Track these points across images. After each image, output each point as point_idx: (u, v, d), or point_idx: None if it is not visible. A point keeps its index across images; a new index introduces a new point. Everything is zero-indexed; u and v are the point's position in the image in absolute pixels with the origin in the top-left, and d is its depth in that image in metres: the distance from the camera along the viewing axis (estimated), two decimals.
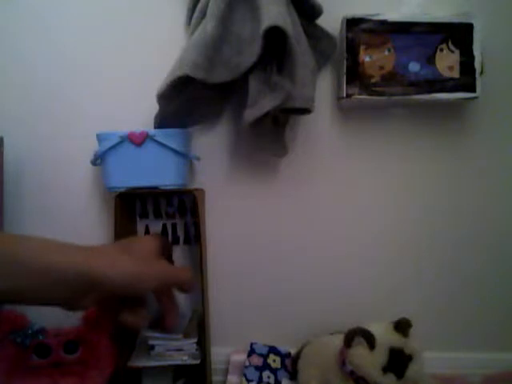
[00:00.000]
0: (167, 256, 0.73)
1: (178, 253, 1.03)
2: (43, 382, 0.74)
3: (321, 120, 0.97)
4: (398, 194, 1.00)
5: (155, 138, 0.86)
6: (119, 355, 0.90)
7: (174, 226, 1.02)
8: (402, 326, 0.80)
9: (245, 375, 0.93)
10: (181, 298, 1.02)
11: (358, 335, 0.78)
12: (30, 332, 0.76)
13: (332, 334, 0.93)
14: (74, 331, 0.80)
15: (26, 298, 0.50)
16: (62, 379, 0.74)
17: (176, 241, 1.02)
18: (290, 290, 1.02)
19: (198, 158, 0.94)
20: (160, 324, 0.89)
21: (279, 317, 1.03)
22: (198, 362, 0.89)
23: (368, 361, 0.77)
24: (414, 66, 0.88)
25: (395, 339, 0.79)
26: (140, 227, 1.02)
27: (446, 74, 0.88)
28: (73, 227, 1.01)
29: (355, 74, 0.88)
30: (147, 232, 1.02)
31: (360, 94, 0.88)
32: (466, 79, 0.88)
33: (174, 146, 0.86)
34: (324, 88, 0.96)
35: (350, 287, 1.01)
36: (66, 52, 0.98)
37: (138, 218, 1.02)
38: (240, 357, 0.98)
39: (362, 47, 0.88)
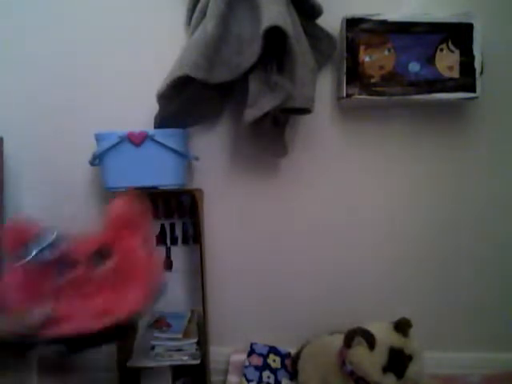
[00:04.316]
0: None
1: (177, 253, 1.03)
2: (72, 304, 0.53)
3: (321, 120, 0.97)
4: (397, 193, 1.00)
5: (155, 138, 0.86)
6: (119, 355, 0.90)
7: (172, 226, 1.02)
8: (402, 326, 0.80)
9: (245, 375, 0.93)
10: (180, 298, 1.03)
11: (358, 335, 0.78)
12: (46, 244, 0.55)
13: (332, 334, 0.93)
14: (104, 237, 0.61)
15: None
16: (95, 297, 0.53)
17: (174, 241, 1.02)
18: (289, 290, 1.02)
19: (197, 158, 0.94)
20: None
21: (279, 317, 1.03)
22: (198, 362, 0.89)
23: (368, 361, 0.77)
24: (413, 66, 0.88)
25: (395, 339, 0.79)
26: None
27: (446, 73, 0.88)
28: (72, 226, 1.01)
29: (355, 74, 0.88)
30: None
31: (360, 94, 0.88)
32: (466, 79, 0.88)
33: (173, 146, 0.87)
34: (324, 88, 0.96)
35: (350, 287, 1.01)
36: (65, 52, 0.98)
37: None
38: (240, 357, 0.98)
39: (362, 47, 0.88)
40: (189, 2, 0.92)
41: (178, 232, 1.02)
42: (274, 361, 0.97)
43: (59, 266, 0.55)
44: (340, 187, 1.00)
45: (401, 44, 0.87)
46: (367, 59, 0.88)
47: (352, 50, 0.88)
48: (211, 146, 0.99)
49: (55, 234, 0.57)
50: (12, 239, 0.56)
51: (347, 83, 0.88)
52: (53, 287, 0.53)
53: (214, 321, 0.96)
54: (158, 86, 0.87)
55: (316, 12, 0.90)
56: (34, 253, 0.54)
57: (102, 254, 0.59)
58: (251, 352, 0.97)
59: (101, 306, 0.50)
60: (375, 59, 0.88)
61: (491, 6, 0.94)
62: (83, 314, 0.48)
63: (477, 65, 0.87)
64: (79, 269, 0.55)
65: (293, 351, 0.99)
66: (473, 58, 0.87)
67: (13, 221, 0.61)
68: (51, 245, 0.55)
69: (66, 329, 0.49)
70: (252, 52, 0.81)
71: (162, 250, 1.02)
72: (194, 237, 1.02)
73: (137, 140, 0.86)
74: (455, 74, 0.88)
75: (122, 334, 0.59)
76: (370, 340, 0.77)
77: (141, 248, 0.62)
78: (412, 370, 0.78)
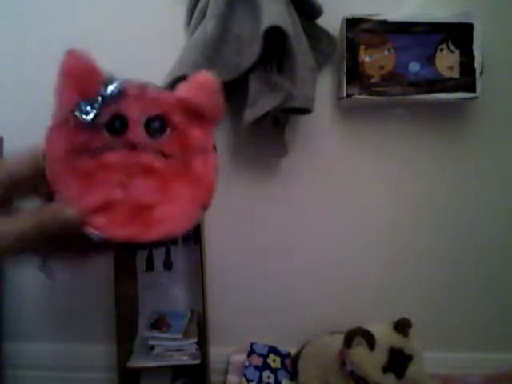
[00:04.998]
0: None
1: (177, 253, 1.03)
2: (110, 179, 0.43)
3: (321, 120, 0.97)
4: (397, 193, 1.00)
5: None
6: (119, 355, 0.90)
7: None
8: (402, 326, 0.80)
9: (245, 375, 0.93)
10: (180, 298, 1.03)
11: (358, 335, 0.78)
12: (100, 98, 0.44)
13: (332, 334, 0.93)
14: (164, 103, 0.47)
15: None
16: (138, 177, 0.44)
17: (174, 241, 1.02)
18: (290, 290, 1.02)
19: None
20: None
21: (279, 317, 1.03)
22: (198, 362, 0.89)
23: (368, 361, 0.77)
24: (413, 66, 0.88)
25: (395, 339, 0.79)
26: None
27: (446, 74, 0.88)
28: None
29: (355, 74, 0.88)
30: None
31: (360, 94, 0.88)
32: (466, 79, 0.88)
33: None
34: (324, 88, 0.96)
35: (350, 287, 1.01)
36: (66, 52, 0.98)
37: None
38: (240, 357, 0.98)
39: (362, 47, 0.88)
40: (189, 2, 0.92)
41: None
42: (274, 361, 0.97)
43: (110, 125, 0.45)
44: (340, 187, 1.00)
45: (401, 44, 0.87)
46: (367, 59, 0.88)
47: (352, 49, 0.88)
48: None
49: (117, 85, 0.45)
50: (71, 87, 0.43)
51: (347, 83, 0.88)
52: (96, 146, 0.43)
53: (214, 321, 0.96)
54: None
55: (316, 12, 0.90)
56: (92, 110, 0.44)
57: (159, 123, 0.47)
58: (251, 352, 0.97)
59: (154, 211, 0.42)
60: (375, 59, 0.88)
61: (491, 5, 0.94)
62: (135, 217, 0.41)
63: (477, 65, 0.87)
64: (131, 132, 0.45)
65: (293, 351, 0.99)
66: (473, 58, 0.87)
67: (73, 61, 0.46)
68: (109, 97, 0.45)
69: (114, 231, 0.40)
70: (252, 52, 0.81)
71: (162, 250, 1.02)
72: (194, 237, 1.02)
73: None
74: (455, 74, 0.88)
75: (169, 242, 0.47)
76: (370, 340, 0.77)
77: (206, 147, 0.47)
78: (412, 369, 0.78)
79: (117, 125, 0.44)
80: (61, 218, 0.39)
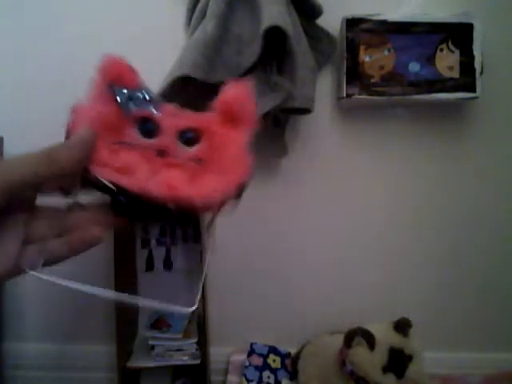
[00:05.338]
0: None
1: (177, 253, 1.03)
2: (141, 163, 0.44)
3: (321, 120, 0.97)
4: (397, 193, 1.00)
5: None
6: (119, 355, 0.90)
7: (172, 226, 1.02)
8: (402, 326, 0.80)
9: (245, 375, 0.93)
10: (179, 298, 1.03)
11: (358, 335, 0.78)
12: (137, 95, 0.48)
13: (332, 334, 0.93)
14: (199, 119, 0.52)
15: None
16: (164, 168, 0.45)
17: (174, 241, 1.02)
18: (290, 290, 1.02)
19: None
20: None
21: (279, 317, 1.03)
22: (198, 362, 0.89)
23: (368, 361, 0.77)
24: (413, 66, 0.88)
25: (395, 339, 0.79)
26: (137, 227, 1.02)
27: (446, 74, 0.88)
28: None
29: (355, 74, 0.88)
30: (145, 231, 1.02)
31: (360, 94, 0.88)
32: (466, 79, 0.88)
33: None
34: (324, 88, 0.96)
35: (350, 287, 1.01)
36: (65, 52, 0.98)
37: None
38: (240, 357, 0.98)
39: (362, 47, 0.88)
40: (189, 2, 0.92)
41: (178, 232, 1.02)
42: (274, 361, 0.97)
43: (143, 125, 0.46)
44: (340, 187, 1.00)
45: (401, 44, 0.87)
46: (367, 59, 0.88)
47: (352, 49, 0.88)
48: None
49: (153, 94, 0.48)
50: (109, 72, 0.47)
51: (347, 83, 0.88)
52: (125, 141, 0.44)
53: (213, 321, 0.96)
54: (157, 87, 0.87)
55: (316, 12, 0.90)
56: (120, 96, 0.45)
57: (193, 134, 0.49)
58: (251, 352, 0.97)
59: (169, 180, 0.43)
60: (375, 59, 0.88)
61: (491, 5, 0.94)
62: (146, 177, 0.41)
63: (477, 65, 0.87)
64: (162, 138, 0.46)
65: (293, 351, 0.99)
66: (473, 58, 0.87)
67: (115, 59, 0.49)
68: (145, 101, 0.47)
69: (122, 180, 0.39)
70: (252, 52, 0.81)
71: (162, 249, 1.02)
72: (194, 236, 1.02)
73: None
74: (455, 74, 0.88)
75: (182, 215, 0.48)
76: (370, 340, 0.77)
77: (238, 144, 0.53)
78: (412, 369, 0.78)
79: (149, 127, 0.46)
80: (72, 140, 0.41)
